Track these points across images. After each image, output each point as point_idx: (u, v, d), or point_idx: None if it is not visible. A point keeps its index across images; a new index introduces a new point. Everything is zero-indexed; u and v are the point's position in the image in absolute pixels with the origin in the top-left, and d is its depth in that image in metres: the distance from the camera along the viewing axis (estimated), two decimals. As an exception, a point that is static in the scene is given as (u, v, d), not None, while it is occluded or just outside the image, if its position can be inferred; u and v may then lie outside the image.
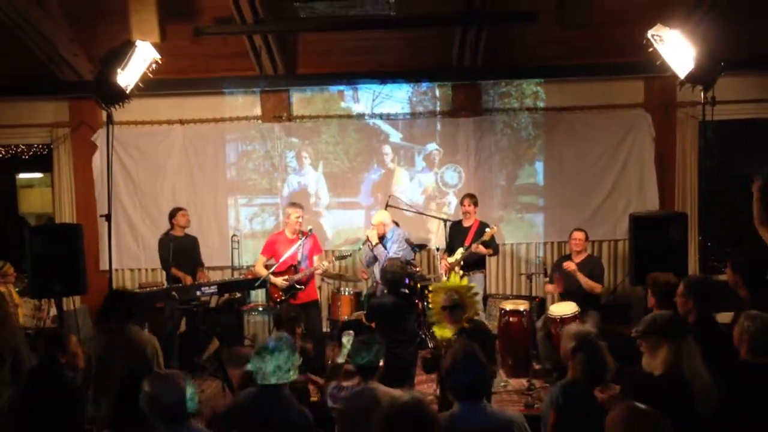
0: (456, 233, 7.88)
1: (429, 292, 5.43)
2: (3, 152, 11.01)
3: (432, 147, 9.26)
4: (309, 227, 7.32)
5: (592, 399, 3.63)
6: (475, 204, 7.92)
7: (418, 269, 8.09)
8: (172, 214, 7.94)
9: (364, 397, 3.90)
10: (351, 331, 4.76)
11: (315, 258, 7.23)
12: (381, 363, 4.09)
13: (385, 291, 6.07)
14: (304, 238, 7.05)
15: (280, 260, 6.96)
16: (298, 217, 7.12)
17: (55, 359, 4.16)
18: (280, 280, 6.99)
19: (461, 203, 8.01)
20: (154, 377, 3.27)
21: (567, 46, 8.58)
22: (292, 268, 7.05)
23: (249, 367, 3.65)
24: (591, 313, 6.91)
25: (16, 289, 7.45)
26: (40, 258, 6.35)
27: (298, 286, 6.98)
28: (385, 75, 8.97)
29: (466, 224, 7.89)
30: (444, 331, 5.06)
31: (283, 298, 6.99)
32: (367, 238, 7.49)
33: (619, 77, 8.94)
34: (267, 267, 7.09)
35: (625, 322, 7.66)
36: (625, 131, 9.02)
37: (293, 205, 7.30)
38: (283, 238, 7.19)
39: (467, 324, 4.96)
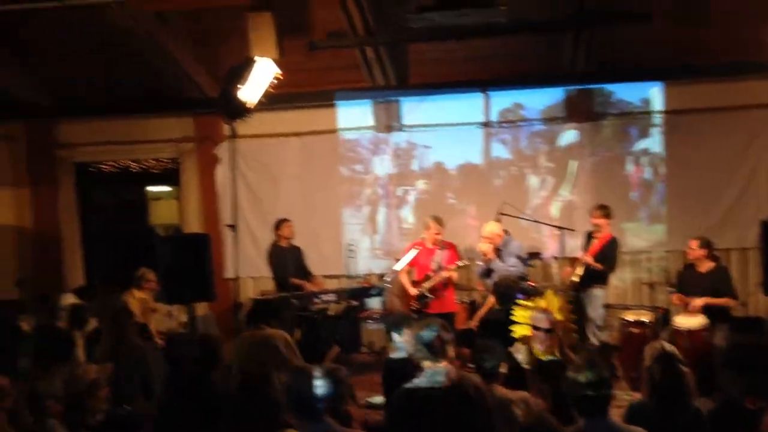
0: (586, 245, 7.66)
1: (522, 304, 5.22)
2: (135, 167, 11.71)
3: (544, 153, 9.10)
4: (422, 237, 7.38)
5: (661, 418, 3.46)
6: (605, 216, 7.58)
7: (532, 284, 7.96)
8: (278, 225, 8.19)
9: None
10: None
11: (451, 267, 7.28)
12: (503, 369, 4.07)
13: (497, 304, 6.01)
14: (441, 250, 7.13)
15: (400, 265, 7.08)
16: (437, 234, 7.23)
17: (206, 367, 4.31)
18: (411, 289, 7.10)
19: (591, 215, 7.77)
20: (293, 371, 3.28)
21: (685, 45, 8.21)
22: (426, 277, 7.17)
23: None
24: (721, 326, 6.56)
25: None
26: (171, 266, 6.68)
27: (428, 296, 7.05)
28: (494, 82, 8.92)
29: (596, 236, 7.63)
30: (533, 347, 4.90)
31: (416, 307, 7.09)
32: (482, 253, 7.41)
33: (744, 77, 8.48)
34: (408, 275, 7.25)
35: (759, 335, 7.21)
36: (754, 133, 8.55)
37: (434, 218, 7.41)
38: (423, 247, 7.31)
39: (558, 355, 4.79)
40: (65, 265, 9.98)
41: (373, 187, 9.49)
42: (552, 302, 5.02)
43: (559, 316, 4.90)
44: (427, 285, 7.05)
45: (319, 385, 3.19)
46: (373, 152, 9.44)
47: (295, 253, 8.26)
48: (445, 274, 7.28)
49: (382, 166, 9.43)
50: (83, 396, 3.93)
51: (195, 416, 3.91)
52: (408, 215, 9.49)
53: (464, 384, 3.44)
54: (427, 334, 3.49)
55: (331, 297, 7.23)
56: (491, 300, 6.37)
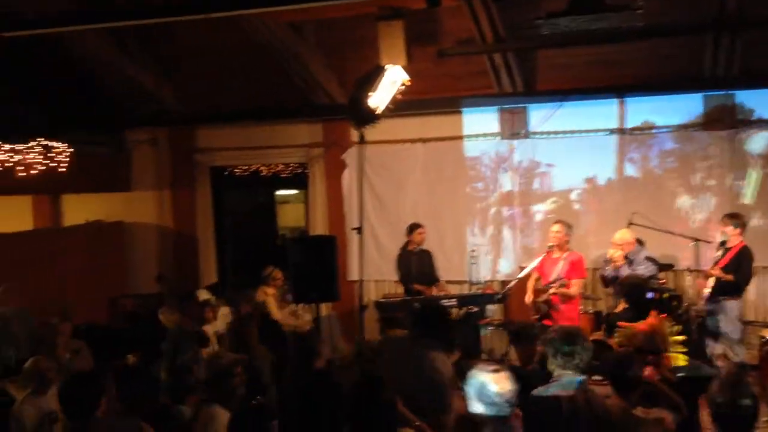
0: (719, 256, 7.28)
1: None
2: (265, 171, 12.20)
3: (681, 161, 8.73)
4: (549, 245, 7.23)
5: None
6: (735, 225, 7.19)
7: (663, 281, 7.64)
8: (410, 230, 8.29)
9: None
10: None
11: (573, 282, 7.09)
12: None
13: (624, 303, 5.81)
14: (564, 260, 7.00)
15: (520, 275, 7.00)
16: (557, 232, 7.10)
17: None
18: (528, 297, 7.01)
19: (722, 224, 7.39)
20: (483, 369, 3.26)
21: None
22: (545, 288, 7.07)
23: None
24: None
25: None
26: (299, 266, 6.94)
27: (544, 306, 6.92)
28: (628, 88, 8.63)
29: (729, 245, 7.24)
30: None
31: (538, 317, 7.00)
32: (611, 259, 7.20)
33: None
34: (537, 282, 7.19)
35: None
36: None
37: (561, 222, 7.30)
38: (548, 256, 7.22)
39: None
40: (200, 263, 10.54)
41: (497, 206, 9.41)
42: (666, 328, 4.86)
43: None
44: (543, 297, 6.91)
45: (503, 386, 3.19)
46: (495, 170, 9.36)
47: (424, 257, 8.33)
48: (562, 290, 7.09)
49: (506, 182, 9.33)
50: (224, 376, 4.16)
51: (317, 412, 4.02)
52: (533, 232, 9.32)
53: (592, 397, 3.38)
54: (565, 344, 3.46)
55: (453, 302, 7.24)
56: (622, 305, 6.18)
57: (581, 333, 3.66)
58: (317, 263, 6.95)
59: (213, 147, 10.52)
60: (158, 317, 9.01)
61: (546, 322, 6.83)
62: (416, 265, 8.13)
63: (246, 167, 11.62)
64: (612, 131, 8.97)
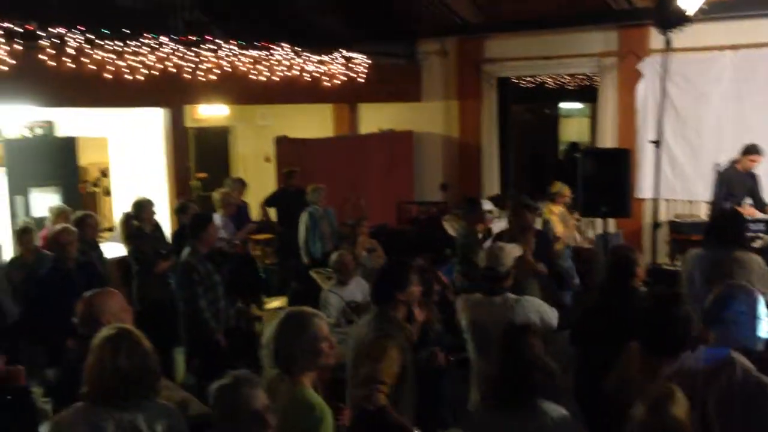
0: None
1: None
2: (550, 83, 11.92)
3: None
4: None
5: None
6: None
7: None
8: (748, 152, 7.41)
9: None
10: None
11: None
12: None
13: None
14: None
15: None
16: None
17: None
18: None
19: None
20: None
21: None
22: None
23: None
24: None
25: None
26: (590, 179, 6.71)
27: None
28: None
29: None
30: None
31: None
32: None
33: None
34: None
35: None
36: None
37: None
38: None
39: None
40: (483, 174, 10.71)
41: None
42: None
43: None
44: None
45: None
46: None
47: (749, 179, 7.55)
48: None
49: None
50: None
51: (613, 327, 3.91)
52: None
53: None
54: None
55: (760, 227, 6.52)
56: None
57: None
58: (609, 176, 6.64)
59: (500, 57, 10.44)
60: (441, 223, 9.46)
61: None
62: (738, 187, 7.38)
63: (531, 78, 11.44)
64: None
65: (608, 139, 9.58)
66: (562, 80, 11.88)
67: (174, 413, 2.81)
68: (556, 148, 14.59)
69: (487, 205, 9.02)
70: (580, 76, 11.42)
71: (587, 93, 11.43)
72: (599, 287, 4.76)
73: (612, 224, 8.78)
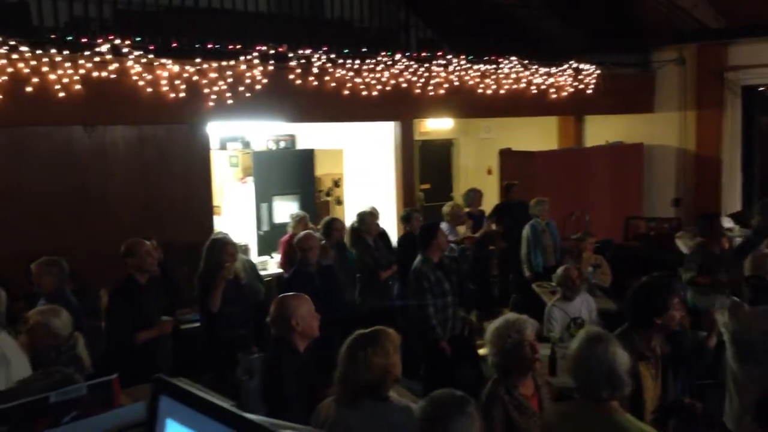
0: None
1: None
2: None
3: None
4: None
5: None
6: None
7: None
8: None
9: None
10: None
11: None
12: None
13: None
14: None
15: None
16: None
17: None
18: None
19: None
20: None
21: None
22: None
23: None
24: None
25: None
26: None
27: None
28: None
29: None
30: None
31: None
32: None
33: None
34: None
35: None
36: None
37: None
38: None
39: None
40: (723, 189, 9.92)
41: None
42: None
43: None
44: None
45: None
46: None
47: None
48: None
49: None
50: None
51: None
52: None
53: None
54: None
55: None
56: None
57: None
58: None
59: (746, 64, 9.60)
60: (673, 240, 8.86)
61: None
62: None
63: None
64: None
65: None
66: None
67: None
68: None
69: (727, 223, 8.36)
70: None
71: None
72: None
73: None
